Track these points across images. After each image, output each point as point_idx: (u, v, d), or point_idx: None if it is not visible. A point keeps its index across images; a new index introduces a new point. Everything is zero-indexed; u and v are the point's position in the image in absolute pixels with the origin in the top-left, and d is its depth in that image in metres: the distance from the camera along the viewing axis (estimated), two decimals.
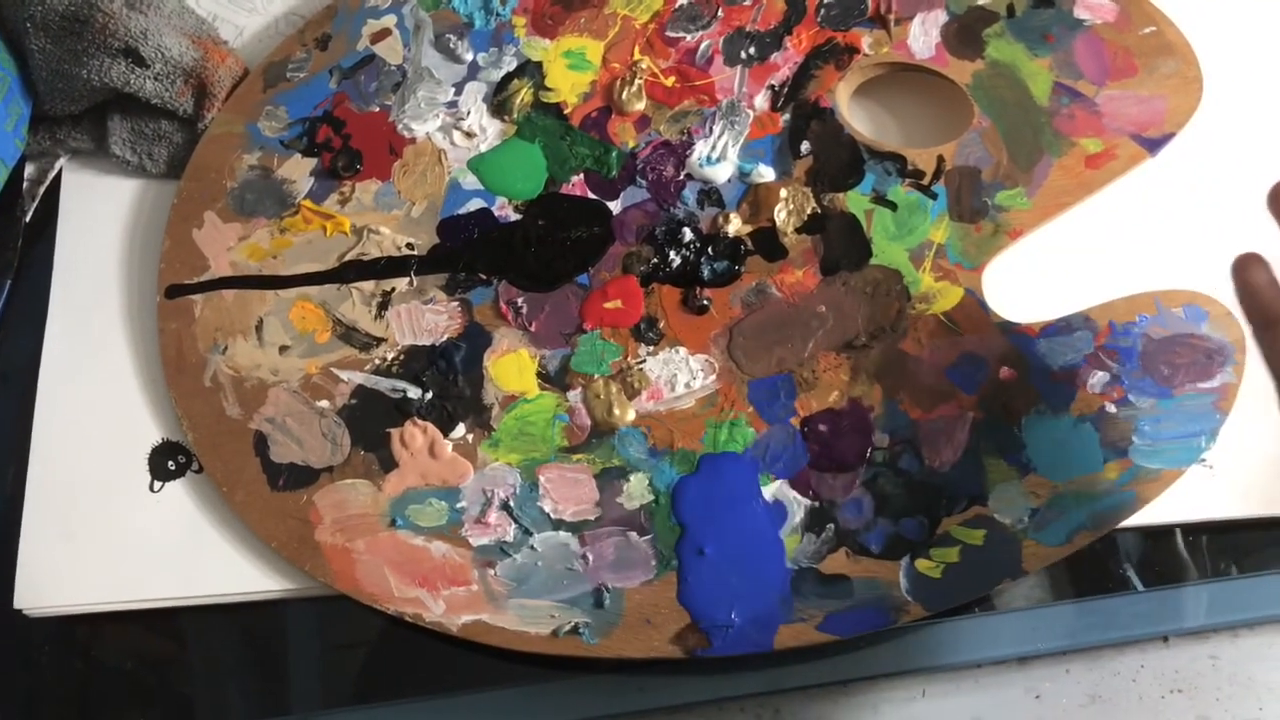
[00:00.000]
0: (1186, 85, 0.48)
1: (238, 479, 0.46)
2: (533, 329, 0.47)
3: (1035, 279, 0.46)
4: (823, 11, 0.52)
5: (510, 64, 0.52)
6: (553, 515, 0.43)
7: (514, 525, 0.43)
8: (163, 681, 0.44)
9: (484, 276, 0.48)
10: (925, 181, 0.47)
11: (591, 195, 0.49)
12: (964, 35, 0.50)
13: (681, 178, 0.49)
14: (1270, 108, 0.50)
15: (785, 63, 0.51)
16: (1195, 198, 0.48)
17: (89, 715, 0.44)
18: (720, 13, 0.52)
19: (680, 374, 0.45)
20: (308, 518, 0.44)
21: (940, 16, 0.51)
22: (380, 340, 0.48)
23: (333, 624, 0.44)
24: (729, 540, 0.42)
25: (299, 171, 0.51)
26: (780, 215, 0.48)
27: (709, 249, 0.47)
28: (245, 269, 0.50)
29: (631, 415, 0.45)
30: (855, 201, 0.48)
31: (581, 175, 0.50)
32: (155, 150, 0.53)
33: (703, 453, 0.44)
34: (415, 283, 0.48)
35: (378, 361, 0.47)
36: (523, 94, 0.52)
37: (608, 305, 0.47)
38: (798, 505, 0.43)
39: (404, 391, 0.46)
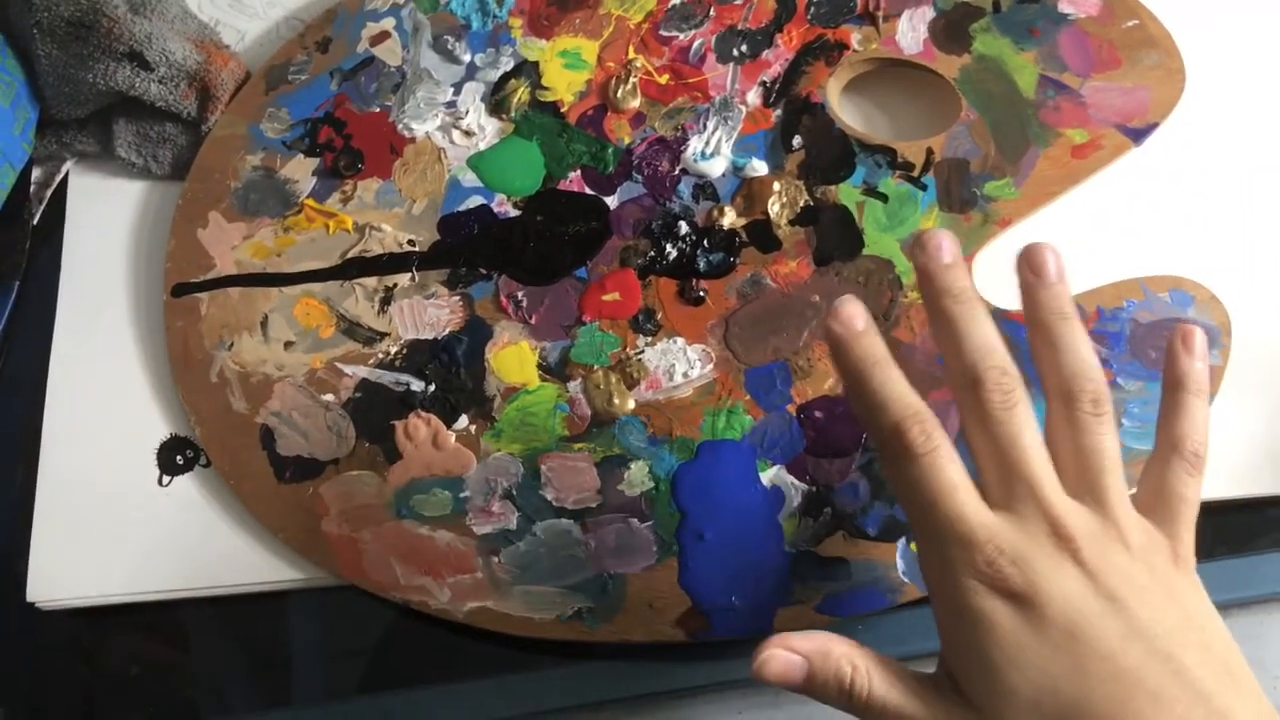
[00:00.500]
0: (1169, 77, 0.49)
1: (245, 472, 0.46)
2: (533, 322, 0.48)
3: None
4: (812, 9, 0.53)
5: (507, 64, 0.53)
6: (555, 503, 0.44)
7: (517, 513, 0.44)
8: (170, 673, 0.45)
9: (484, 271, 0.49)
10: (915, 173, 0.48)
11: (589, 191, 0.50)
12: (951, 30, 0.51)
13: (677, 173, 0.50)
14: (1250, 97, 0.51)
15: (776, 59, 0.52)
16: (1179, 185, 0.49)
17: (96, 703, 0.45)
18: (712, 12, 0.53)
19: (678, 364, 0.46)
20: (314, 509, 0.45)
21: (928, 12, 0.52)
22: (383, 335, 0.48)
23: (339, 614, 0.45)
24: (728, 525, 0.43)
25: (301, 171, 0.52)
26: (774, 208, 0.48)
27: (704, 242, 0.48)
28: (250, 267, 0.50)
29: (631, 405, 0.45)
30: (847, 194, 0.48)
31: (579, 171, 0.51)
32: (160, 152, 0.54)
33: (701, 440, 0.45)
34: (417, 278, 0.49)
35: (381, 356, 0.48)
36: (520, 93, 0.53)
37: (606, 298, 0.48)
38: (795, 490, 0.43)
39: (407, 384, 0.47)
